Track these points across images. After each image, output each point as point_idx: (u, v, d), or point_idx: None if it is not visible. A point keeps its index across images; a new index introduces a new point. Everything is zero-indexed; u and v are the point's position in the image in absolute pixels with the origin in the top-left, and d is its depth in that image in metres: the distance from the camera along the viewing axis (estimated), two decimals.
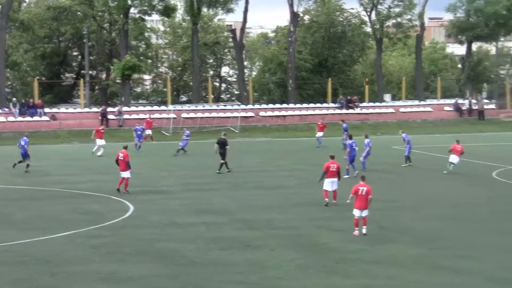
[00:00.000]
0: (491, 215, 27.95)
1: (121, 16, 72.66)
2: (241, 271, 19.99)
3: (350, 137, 38.08)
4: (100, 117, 65.69)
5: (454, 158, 39.02)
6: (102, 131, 49.05)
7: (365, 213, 24.10)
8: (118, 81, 75.98)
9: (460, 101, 74.95)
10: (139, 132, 51.20)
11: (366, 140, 39.41)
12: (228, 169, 38.98)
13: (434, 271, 20.10)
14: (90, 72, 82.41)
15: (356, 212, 24.19)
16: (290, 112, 70.73)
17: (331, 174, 29.08)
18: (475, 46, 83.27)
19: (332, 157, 29.69)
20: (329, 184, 29.17)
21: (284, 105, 72.42)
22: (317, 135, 54.04)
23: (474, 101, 74.57)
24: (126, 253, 21.82)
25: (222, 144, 39.05)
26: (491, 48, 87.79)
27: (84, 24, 78.01)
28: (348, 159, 36.78)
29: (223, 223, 26.20)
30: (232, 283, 18.98)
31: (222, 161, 38.96)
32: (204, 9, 77.76)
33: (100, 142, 47.88)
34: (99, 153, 47.37)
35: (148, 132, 56.23)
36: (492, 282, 19.14)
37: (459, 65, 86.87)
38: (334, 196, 29.12)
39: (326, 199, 29.21)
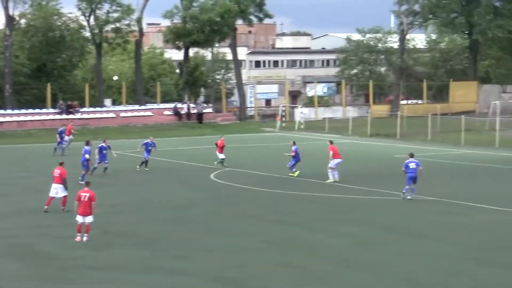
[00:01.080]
0: (208, 216, 29.12)
1: None
2: None
3: (87, 143, 37.93)
4: None
5: (219, 154, 42.62)
6: None
7: (88, 219, 24.10)
8: None
9: (179, 105, 76.89)
10: None
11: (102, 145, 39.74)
12: None
13: (154, 273, 20.67)
14: None
15: (79, 218, 24.16)
16: (7, 118, 68.50)
17: (55, 180, 28.88)
18: (192, 51, 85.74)
19: (60, 164, 29.46)
20: (53, 190, 28.94)
21: (1, 111, 70.02)
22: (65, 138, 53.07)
23: (192, 105, 76.86)
24: None
25: None
26: (207, 53, 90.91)
27: None
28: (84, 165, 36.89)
29: None
30: None
31: None
32: None
33: None
34: None
35: None
36: (208, 281, 20.07)
37: (177, 70, 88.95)
38: (63, 203, 28.85)
39: (46, 206, 28.91)
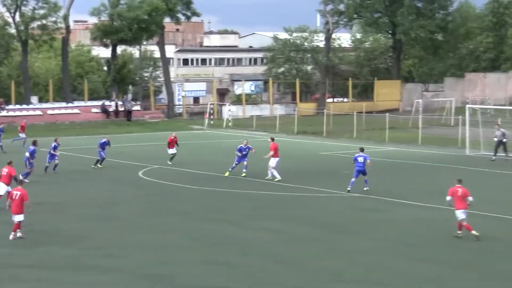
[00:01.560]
0: (137, 213, 29.28)
1: None
2: None
3: (34, 143, 37.68)
4: None
5: (170, 150, 42.87)
6: None
7: (18, 218, 24.07)
8: None
9: (107, 103, 76.61)
10: None
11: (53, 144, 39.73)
12: None
13: (83, 271, 20.79)
14: None
15: (12, 216, 24.19)
16: None
17: (1, 179, 28.92)
18: (120, 49, 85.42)
19: (8, 163, 29.30)
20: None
21: None
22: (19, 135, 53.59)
23: (120, 102, 76.66)
24: None
25: None
26: (135, 51, 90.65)
27: None
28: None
29: None
30: None
31: None
32: None
33: None
34: None
35: None
36: (139, 278, 20.27)
37: (105, 68, 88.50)
38: None
39: None
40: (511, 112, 63.67)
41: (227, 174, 38.63)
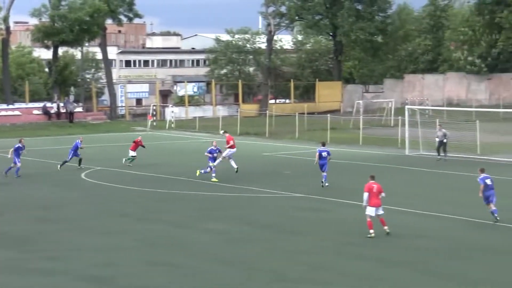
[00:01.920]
0: (79, 215, 29.23)
1: None
2: None
3: None
4: None
5: (131, 152, 43.06)
6: None
7: None
8: None
9: (49, 104, 76.00)
10: None
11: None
12: None
13: (24, 274, 20.72)
14: None
15: None
16: None
17: None
18: (61, 50, 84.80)
19: None
20: None
21: None
22: None
23: (62, 104, 76.12)
24: None
25: None
26: (77, 53, 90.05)
27: None
28: None
29: None
30: None
31: None
32: None
33: None
34: None
35: None
36: (81, 280, 20.26)
37: (47, 69, 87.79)
38: None
39: None
40: (448, 113, 64.93)
41: (214, 179, 37.40)
